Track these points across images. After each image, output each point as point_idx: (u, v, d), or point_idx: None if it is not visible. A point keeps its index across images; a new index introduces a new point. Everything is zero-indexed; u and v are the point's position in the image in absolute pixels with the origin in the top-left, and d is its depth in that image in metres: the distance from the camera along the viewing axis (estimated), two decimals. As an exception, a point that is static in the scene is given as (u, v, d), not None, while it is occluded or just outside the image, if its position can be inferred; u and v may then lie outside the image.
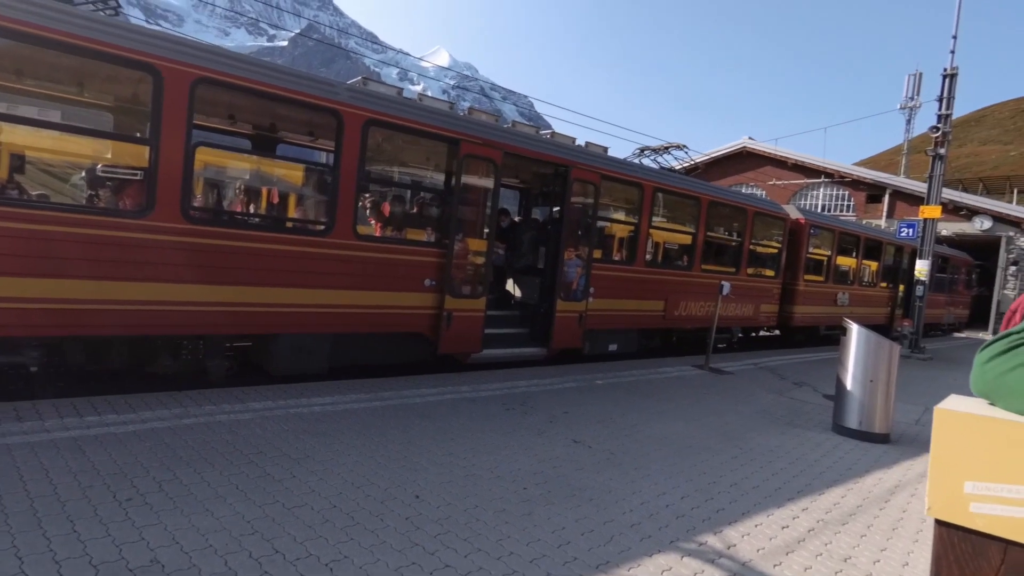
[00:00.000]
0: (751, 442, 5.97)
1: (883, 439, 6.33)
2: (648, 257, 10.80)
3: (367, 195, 7.88)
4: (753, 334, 15.02)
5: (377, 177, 8.61)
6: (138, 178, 5.82)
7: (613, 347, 10.11)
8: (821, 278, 14.76)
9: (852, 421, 6.46)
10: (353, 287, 6.77)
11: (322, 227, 6.67)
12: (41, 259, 5.07)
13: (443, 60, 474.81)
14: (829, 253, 14.88)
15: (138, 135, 6.47)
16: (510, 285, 9.90)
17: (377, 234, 7.74)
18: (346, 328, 6.84)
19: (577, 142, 9.47)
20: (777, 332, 15.31)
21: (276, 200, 7.85)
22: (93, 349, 5.80)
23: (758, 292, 12.73)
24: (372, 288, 6.92)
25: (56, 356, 5.69)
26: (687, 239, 11.27)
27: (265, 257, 6.17)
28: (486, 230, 8.00)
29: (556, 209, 9.18)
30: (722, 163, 33.76)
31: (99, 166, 6.23)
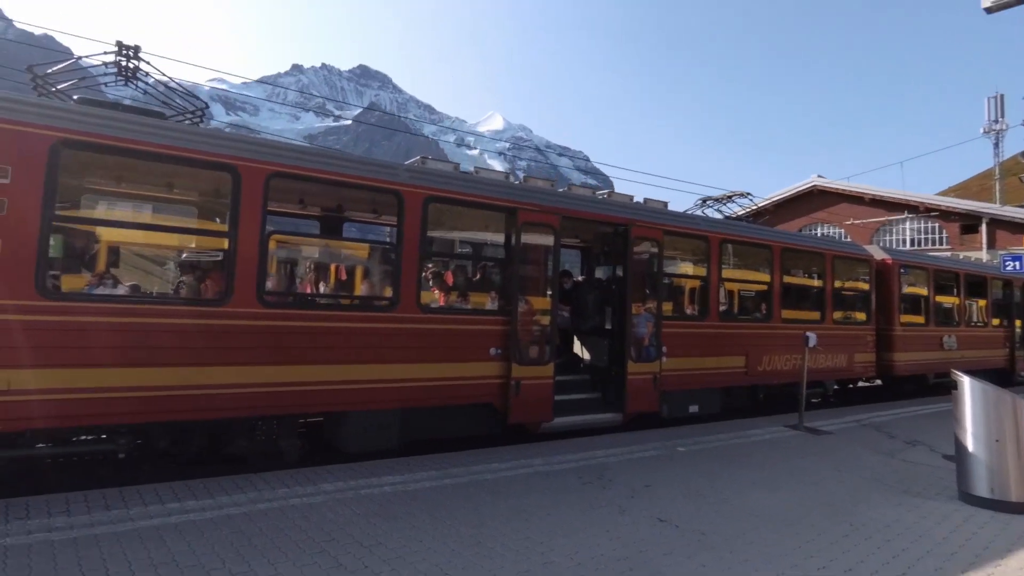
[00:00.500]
0: (862, 516, 5.38)
1: (1022, 509, 5.54)
2: (722, 310, 10.37)
3: (430, 267, 8.08)
4: (851, 386, 13.93)
5: (439, 250, 8.85)
6: (218, 268, 6.27)
7: (694, 409, 9.60)
8: (921, 320, 13.65)
9: (981, 488, 5.72)
10: (419, 360, 6.85)
11: (387, 302, 6.86)
12: (131, 349, 5.42)
13: (497, 124, 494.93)
14: (926, 293, 13.80)
15: (218, 228, 7.00)
16: (578, 348, 9.70)
17: (441, 305, 7.88)
18: (414, 402, 6.87)
19: (636, 198, 9.42)
20: (879, 383, 14.13)
21: (344, 277, 8.18)
22: (175, 434, 6.05)
23: (849, 340, 11.89)
24: (438, 360, 6.97)
25: (142, 441, 5.95)
26: (763, 289, 10.78)
27: (334, 335, 6.37)
28: (549, 293, 7.98)
29: (619, 268, 9.04)
30: (791, 204, 32.65)
31: (184, 256, 6.76)
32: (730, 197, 11.94)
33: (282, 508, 4.96)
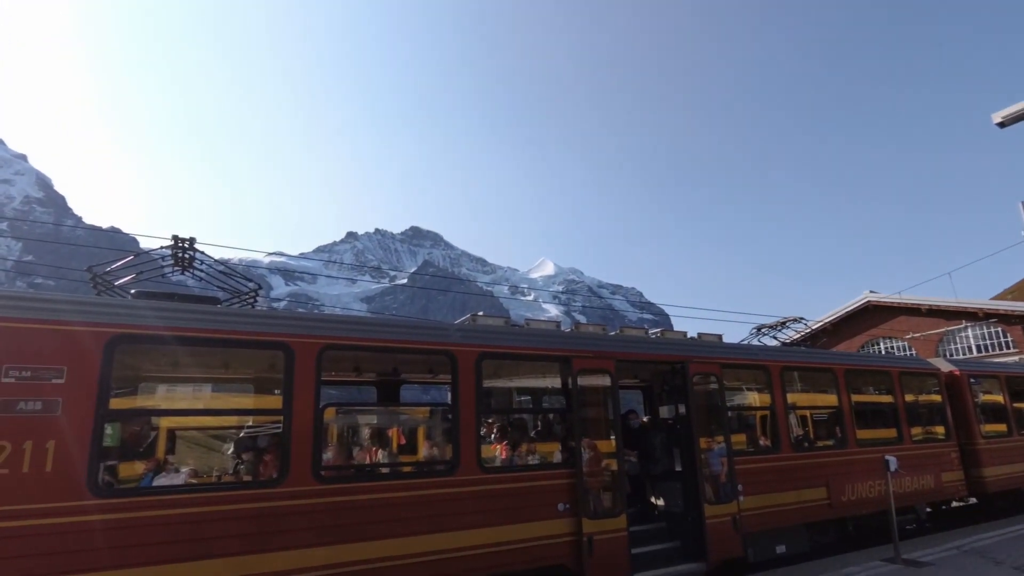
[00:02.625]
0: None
1: None
2: (795, 439, 10.25)
3: (488, 424, 8.30)
4: (943, 507, 12.96)
5: (497, 405, 9.14)
6: (274, 445, 6.32)
7: (781, 549, 9.19)
8: (1003, 429, 12.92)
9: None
10: (484, 524, 6.76)
11: (447, 465, 6.90)
12: (186, 543, 5.36)
13: (549, 269, 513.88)
14: (1002, 401, 13.20)
15: (273, 405, 6.86)
16: (650, 493, 9.63)
17: (503, 462, 7.91)
18: (483, 570, 6.69)
19: (690, 333, 9.87)
20: (973, 500, 13.11)
21: (403, 442, 8.47)
22: None
23: (932, 459, 11.36)
24: (503, 522, 6.87)
25: None
26: (833, 413, 10.66)
27: (394, 507, 6.32)
28: (613, 437, 8.08)
29: (681, 405, 9.18)
30: (848, 323, 32.28)
31: (239, 438, 7.10)
32: (783, 323, 12.30)
33: None
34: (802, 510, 9.41)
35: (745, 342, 11.71)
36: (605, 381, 8.26)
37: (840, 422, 10.47)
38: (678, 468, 9.07)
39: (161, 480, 6.05)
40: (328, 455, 7.01)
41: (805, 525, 9.55)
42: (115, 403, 5.85)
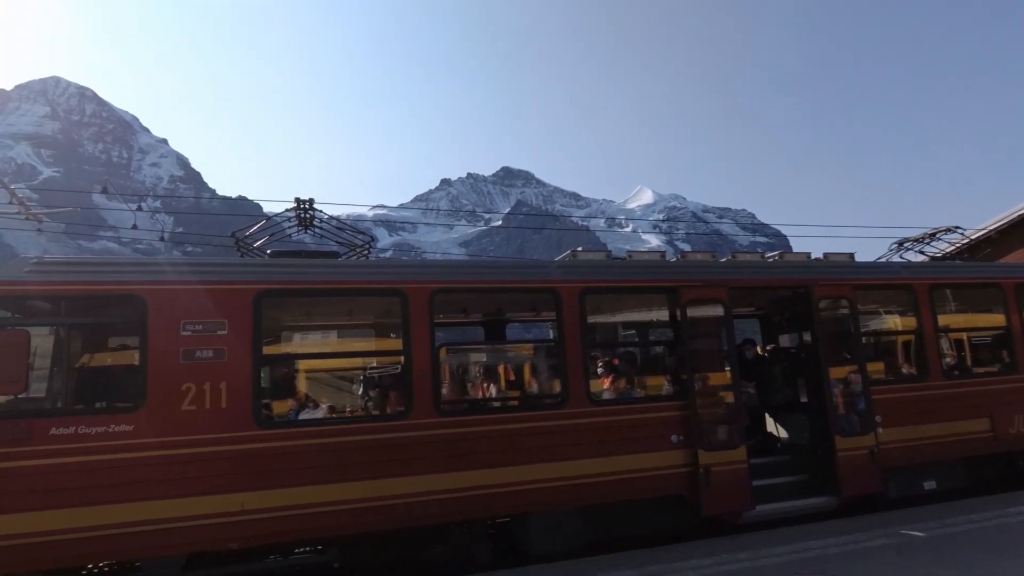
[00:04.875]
0: None
1: None
2: (947, 366, 9.32)
3: (595, 359, 8.32)
4: None
5: (603, 339, 9.24)
6: (398, 383, 7.14)
7: (930, 485, 8.54)
8: None
9: None
10: (595, 455, 7.03)
11: (557, 399, 7.30)
12: (330, 467, 6.23)
13: (647, 198, 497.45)
14: None
15: (394, 346, 7.90)
16: (771, 426, 9.25)
17: (612, 396, 8.05)
18: (595, 499, 7.03)
19: (815, 254, 9.11)
20: None
21: (512, 378, 8.87)
22: (375, 544, 6.75)
23: None
24: (614, 453, 7.10)
25: (350, 553, 6.70)
26: (999, 337, 9.62)
27: (508, 437, 6.86)
28: (728, 369, 7.90)
29: (806, 333, 8.66)
30: (1020, 229, 28.07)
31: (367, 375, 7.92)
32: (933, 235, 10.97)
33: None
34: (956, 443, 8.67)
35: (884, 260, 10.59)
36: (717, 311, 7.98)
37: (1008, 344, 9.42)
38: (803, 399, 8.65)
39: (305, 415, 7.24)
40: (445, 391, 7.62)
41: (962, 460, 8.82)
42: (266, 350, 6.87)
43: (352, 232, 8.44)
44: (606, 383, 8.33)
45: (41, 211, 11.67)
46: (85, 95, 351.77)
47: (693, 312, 7.81)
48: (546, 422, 7.07)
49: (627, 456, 7.13)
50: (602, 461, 7.03)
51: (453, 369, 9.04)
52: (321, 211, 8.55)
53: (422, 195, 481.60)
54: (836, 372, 8.24)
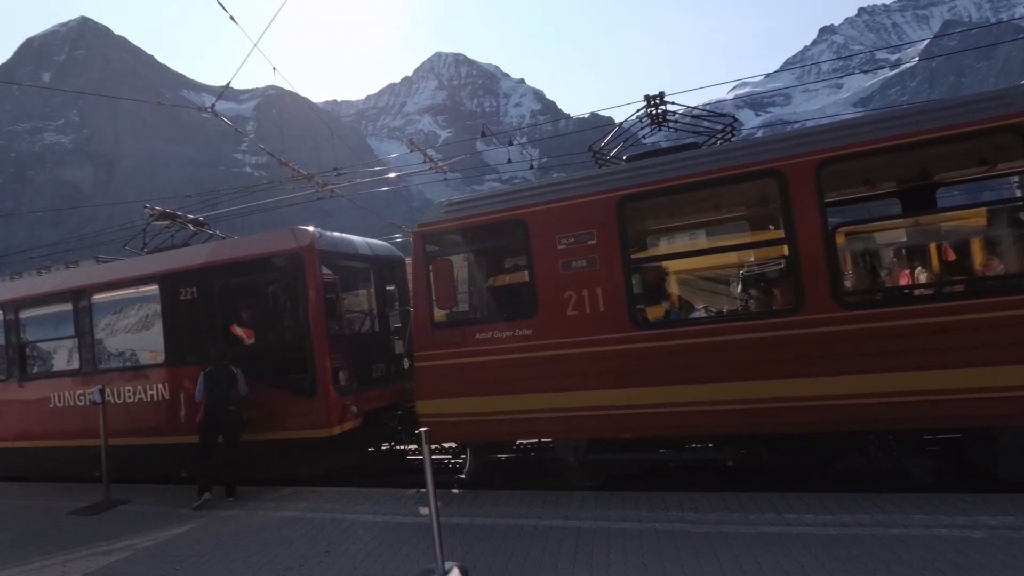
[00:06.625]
0: None
1: None
2: None
3: None
4: None
5: None
6: (784, 276, 6.48)
7: None
8: None
9: None
10: None
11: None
12: (706, 366, 6.21)
13: None
14: None
15: (775, 236, 7.24)
16: None
17: None
18: None
19: None
20: None
21: (951, 258, 7.06)
22: (777, 446, 6.48)
23: None
24: None
25: (746, 452, 6.64)
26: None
27: (960, 332, 5.45)
28: None
29: None
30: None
31: (746, 271, 7.31)
32: None
33: (924, 537, 4.65)
34: None
35: None
36: None
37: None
38: None
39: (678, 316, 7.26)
40: (851, 280, 6.94)
41: None
42: (634, 254, 7.18)
43: (711, 119, 7.91)
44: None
45: (444, 165, 14.49)
46: (459, 60, 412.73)
47: None
48: (991, 312, 5.33)
49: None
50: None
51: (858, 255, 7.92)
52: (673, 103, 8.29)
53: (794, 57, 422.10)
54: None
